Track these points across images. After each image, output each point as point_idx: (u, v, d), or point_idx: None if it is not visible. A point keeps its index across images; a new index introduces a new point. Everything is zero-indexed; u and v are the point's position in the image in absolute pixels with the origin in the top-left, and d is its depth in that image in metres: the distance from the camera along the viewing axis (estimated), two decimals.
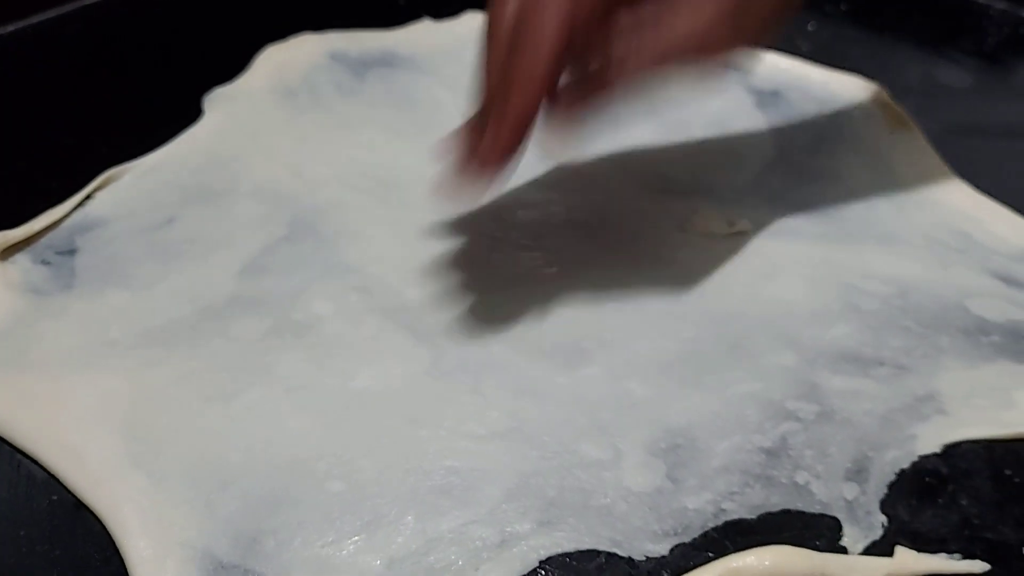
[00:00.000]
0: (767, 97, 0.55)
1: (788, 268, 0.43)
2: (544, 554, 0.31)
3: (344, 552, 0.31)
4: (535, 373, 0.37)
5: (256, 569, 0.30)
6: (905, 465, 0.35)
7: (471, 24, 0.59)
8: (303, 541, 0.31)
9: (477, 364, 0.38)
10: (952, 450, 0.36)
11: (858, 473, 0.35)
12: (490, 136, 0.35)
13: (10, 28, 0.55)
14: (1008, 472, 0.35)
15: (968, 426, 0.36)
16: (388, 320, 0.39)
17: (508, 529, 0.32)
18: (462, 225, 0.44)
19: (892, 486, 0.34)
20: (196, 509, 0.32)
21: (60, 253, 0.41)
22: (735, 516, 0.33)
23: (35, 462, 0.34)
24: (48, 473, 0.33)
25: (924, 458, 0.35)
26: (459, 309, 0.40)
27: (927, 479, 0.35)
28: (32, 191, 0.44)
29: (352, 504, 0.32)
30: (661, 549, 0.32)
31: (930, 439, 0.36)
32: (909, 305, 0.41)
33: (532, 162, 0.48)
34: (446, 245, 0.43)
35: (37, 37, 0.56)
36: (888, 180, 0.49)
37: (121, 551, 0.31)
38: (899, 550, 0.32)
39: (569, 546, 0.32)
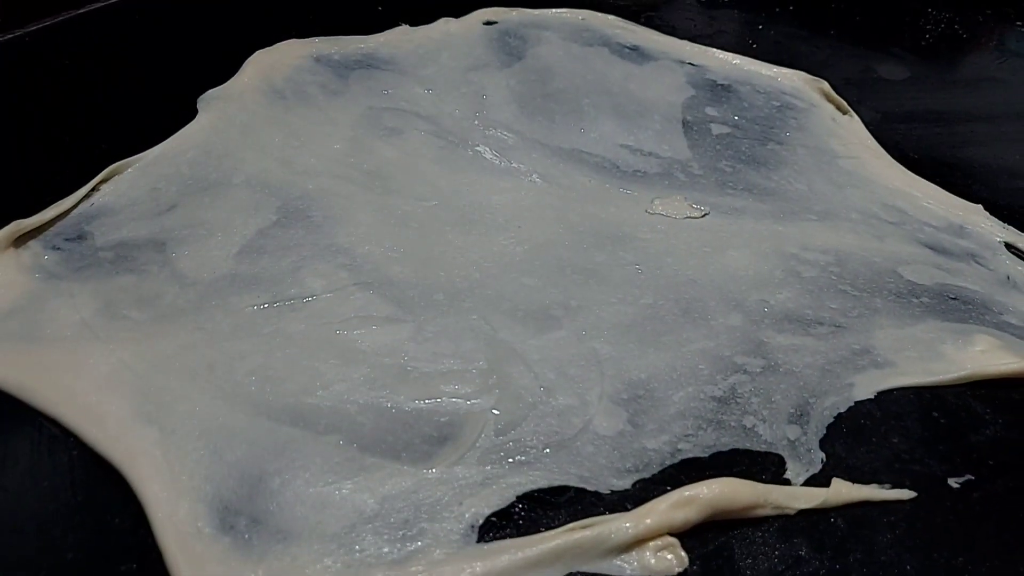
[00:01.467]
0: (720, 90, 0.59)
1: (737, 243, 0.47)
2: (521, 490, 0.35)
3: (343, 491, 0.35)
4: (509, 337, 0.41)
5: (261, 504, 0.34)
6: (843, 409, 0.39)
7: (445, 29, 0.64)
8: (304, 481, 0.35)
9: (456, 331, 0.41)
10: (885, 396, 0.40)
11: (800, 417, 0.39)
12: None
13: (18, 33, 0.58)
14: (935, 414, 0.40)
15: (899, 375, 0.41)
16: (375, 294, 0.43)
17: (488, 469, 0.36)
18: (439, 209, 0.48)
19: (831, 428, 0.39)
20: (205, 457, 0.35)
21: (69, 239, 0.45)
22: (690, 455, 0.37)
23: (56, 424, 0.37)
24: (68, 433, 0.37)
25: (860, 403, 0.40)
26: (439, 284, 0.44)
27: (862, 421, 0.39)
28: (42, 184, 0.48)
29: (349, 452, 0.36)
30: (624, 484, 0.36)
31: (865, 387, 0.40)
32: (846, 272, 0.46)
33: (503, 151, 0.52)
34: (425, 227, 0.47)
35: (43, 43, 0.59)
36: (829, 163, 0.53)
37: (138, 495, 0.34)
38: (835, 481, 0.36)
39: (543, 483, 0.36)
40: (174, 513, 0.34)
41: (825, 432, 0.38)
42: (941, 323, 0.43)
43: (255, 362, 0.39)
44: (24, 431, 0.37)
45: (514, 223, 0.48)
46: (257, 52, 0.59)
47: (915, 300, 0.44)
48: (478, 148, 0.53)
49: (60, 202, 0.46)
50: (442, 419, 0.38)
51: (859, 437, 0.38)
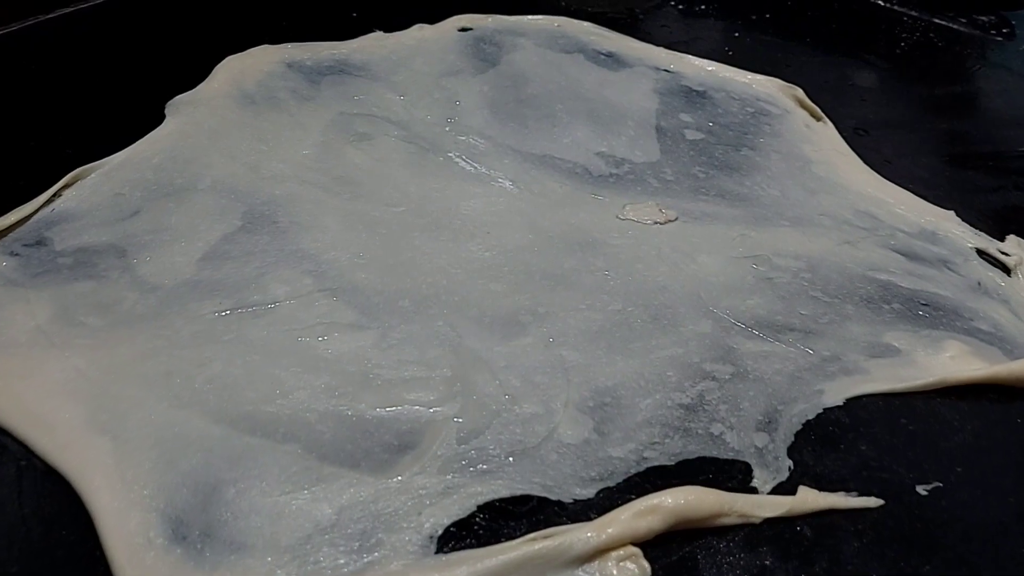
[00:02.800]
0: (695, 97, 0.59)
1: (708, 248, 0.47)
2: (482, 500, 0.35)
3: (299, 501, 0.34)
4: (475, 344, 0.40)
5: (216, 514, 0.33)
6: (811, 416, 0.39)
7: (419, 36, 0.63)
8: (260, 491, 0.34)
9: (421, 338, 0.41)
10: (854, 403, 0.40)
11: (768, 424, 0.38)
12: None
13: None
14: (904, 421, 0.39)
15: (869, 382, 0.40)
16: (339, 300, 0.42)
17: (450, 478, 0.35)
18: (408, 215, 0.48)
19: (799, 435, 0.38)
20: (159, 466, 0.35)
21: (28, 245, 0.44)
22: (656, 463, 0.36)
23: (5, 433, 0.36)
24: (18, 442, 0.36)
25: (828, 410, 0.39)
26: (405, 290, 0.43)
27: (831, 428, 0.39)
28: (3, 189, 0.47)
29: (307, 461, 0.35)
30: (588, 493, 0.35)
31: (834, 394, 0.40)
32: (817, 278, 0.45)
33: (474, 156, 0.52)
34: (393, 233, 0.46)
35: (10, 47, 0.59)
36: (802, 169, 0.53)
37: (88, 507, 0.33)
38: (802, 489, 0.36)
39: (504, 492, 0.35)
40: (124, 523, 0.33)
41: (793, 439, 0.38)
42: (912, 329, 0.43)
43: (214, 369, 0.39)
44: None
45: (483, 229, 0.47)
46: (228, 57, 0.59)
47: (886, 306, 0.44)
48: (449, 154, 0.52)
49: (20, 208, 0.46)
50: (404, 427, 0.37)
51: (827, 444, 0.38)
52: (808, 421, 0.39)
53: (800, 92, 0.59)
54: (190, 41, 0.62)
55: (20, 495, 0.34)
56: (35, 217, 0.46)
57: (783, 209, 0.50)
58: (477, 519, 0.34)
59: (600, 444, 0.37)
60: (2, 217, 0.45)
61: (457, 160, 0.52)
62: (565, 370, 0.40)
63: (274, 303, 0.42)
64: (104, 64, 0.60)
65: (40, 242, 0.44)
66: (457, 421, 0.37)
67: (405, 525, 0.33)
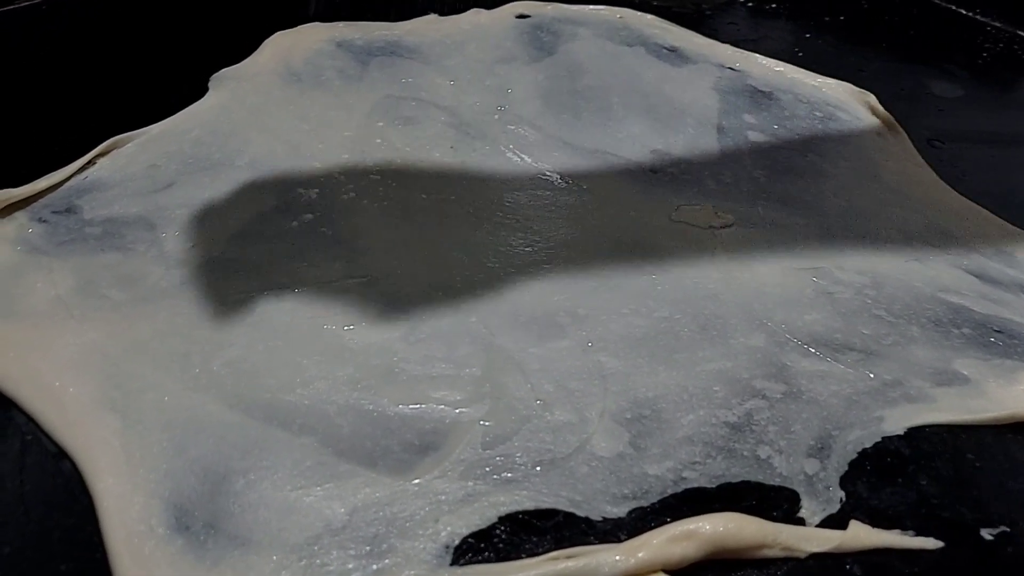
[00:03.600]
0: (760, 97, 0.56)
1: (766, 257, 0.44)
2: (504, 511, 0.32)
3: (311, 498, 0.32)
4: (508, 344, 0.38)
5: (223, 505, 0.31)
6: (868, 445, 0.36)
7: (474, 20, 0.61)
8: (271, 484, 0.32)
9: (451, 333, 0.38)
10: (916, 433, 0.36)
11: (820, 450, 0.35)
12: None
13: (36, 1, 0.57)
14: (970, 456, 0.36)
15: (934, 411, 0.37)
16: (370, 288, 0.40)
17: (471, 485, 0.33)
18: (448, 204, 0.45)
19: (853, 464, 0.35)
20: (167, 450, 0.33)
21: (57, 212, 0.43)
22: (695, 484, 0.34)
23: (14, 405, 0.35)
24: (27, 416, 0.34)
25: (888, 439, 0.36)
26: (439, 282, 0.41)
27: (889, 459, 0.35)
28: (39, 154, 0.46)
29: (323, 456, 0.33)
30: (619, 511, 0.33)
31: (895, 422, 0.37)
32: (882, 295, 0.42)
33: (522, 147, 0.50)
34: (431, 222, 0.44)
35: (60, 12, 0.58)
36: (872, 179, 0.49)
37: (90, 489, 0.32)
38: (853, 524, 0.32)
39: (529, 504, 0.32)
40: (126, 508, 0.31)
41: (847, 469, 0.35)
42: (983, 357, 0.39)
43: (234, 353, 0.37)
44: None
45: (526, 223, 0.45)
46: (277, 33, 0.57)
47: (956, 331, 0.41)
48: (497, 143, 0.50)
49: (53, 173, 0.44)
50: (426, 427, 0.35)
51: (884, 477, 0.35)
52: (864, 450, 0.35)
53: (873, 99, 0.55)
54: (241, 14, 0.61)
55: (22, 471, 0.32)
56: (67, 184, 0.44)
57: (849, 220, 0.47)
58: (498, 531, 0.32)
59: (636, 460, 0.34)
60: (34, 182, 0.43)
61: (504, 150, 0.50)
62: (603, 377, 0.37)
63: (302, 287, 0.40)
64: (154, 34, 0.58)
65: (70, 210, 0.43)
66: (484, 424, 0.35)
67: (420, 532, 0.31)
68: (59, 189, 0.44)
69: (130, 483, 0.32)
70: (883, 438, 0.36)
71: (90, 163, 0.46)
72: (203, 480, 0.32)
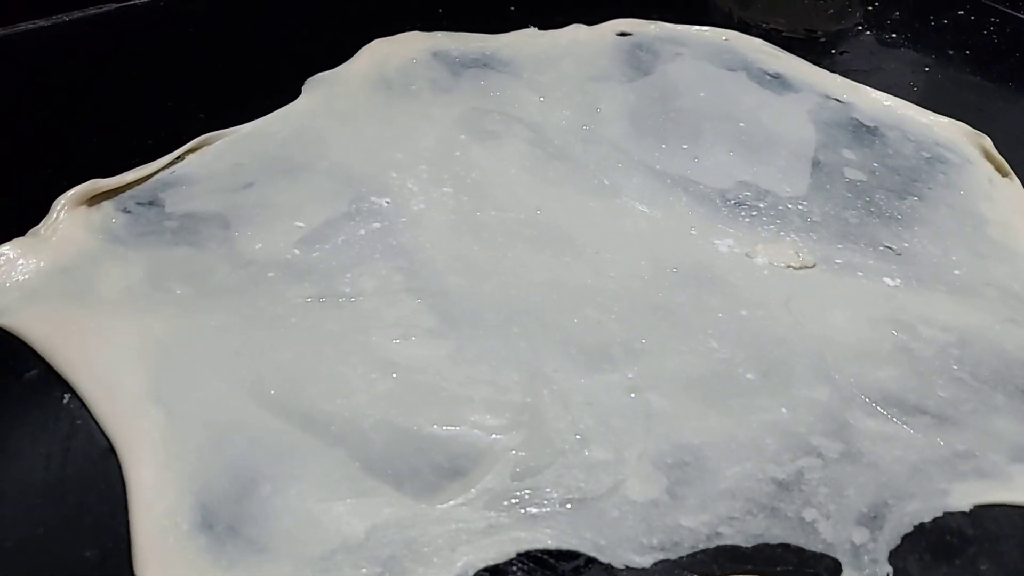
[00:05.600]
0: (863, 132, 0.53)
1: (845, 303, 0.41)
2: (524, 547, 0.31)
3: (333, 512, 0.32)
4: (555, 373, 0.37)
5: (248, 509, 0.32)
6: (926, 519, 0.33)
7: (573, 36, 0.60)
8: (297, 493, 0.32)
9: (499, 356, 0.38)
10: (983, 512, 0.34)
11: (873, 519, 0.33)
12: None
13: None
14: None
15: (1008, 490, 0.34)
16: (424, 303, 0.40)
17: (494, 516, 0.32)
18: (517, 223, 0.45)
19: (907, 538, 0.33)
20: (204, 448, 0.33)
21: (141, 204, 0.44)
22: (730, 542, 0.32)
23: (69, 388, 0.36)
24: (79, 400, 0.35)
25: (950, 515, 0.33)
26: (493, 302, 0.40)
27: (948, 537, 0.33)
28: (134, 147, 0.47)
29: (351, 470, 0.33)
30: (644, 561, 0.31)
31: (961, 496, 0.34)
32: (967, 356, 0.39)
33: (602, 168, 0.48)
34: (497, 241, 0.44)
35: (170, 6, 0.60)
36: (975, 229, 0.46)
37: (125, 477, 0.33)
38: None
39: (550, 543, 0.31)
40: (156, 501, 0.32)
41: (899, 543, 0.32)
42: None
43: (283, 357, 0.37)
44: (41, 391, 0.36)
45: (594, 248, 0.44)
46: (376, 40, 0.58)
47: None
48: (576, 163, 0.49)
49: (143, 167, 0.46)
50: (458, 450, 0.34)
51: (941, 556, 0.32)
52: (922, 524, 0.33)
53: (988, 141, 0.51)
54: (343, 19, 0.62)
55: (67, 453, 0.34)
56: (156, 177, 0.46)
57: (942, 271, 0.43)
58: (515, 567, 0.31)
59: (670, 508, 0.33)
60: (122, 175, 0.45)
61: (582, 171, 0.48)
62: (648, 417, 0.36)
63: (359, 296, 0.40)
64: (256, 35, 0.60)
65: (153, 202, 0.45)
66: (516, 454, 0.34)
67: (435, 560, 0.31)
68: (148, 182, 0.46)
69: (164, 477, 0.32)
70: (945, 513, 0.33)
71: (180, 158, 0.47)
72: (233, 481, 0.33)
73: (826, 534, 0.32)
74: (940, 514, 0.33)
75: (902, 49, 0.63)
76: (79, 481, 0.33)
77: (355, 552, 0.31)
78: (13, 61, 0.55)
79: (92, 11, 0.59)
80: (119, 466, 0.33)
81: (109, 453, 0.33)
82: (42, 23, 0.57)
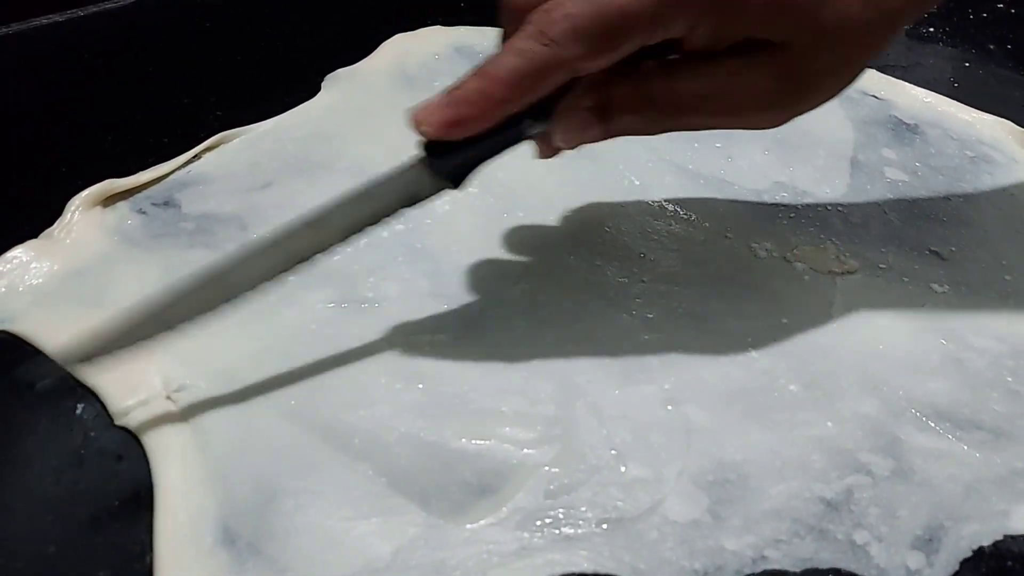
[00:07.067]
0: (904, 130, 0.51)
1: (891, 312, 0.39)
2: (558, 570, 0.30)
3: (357, 531, 0.30)
4: (588, 384, 0.35)
5: (269, 525, 0.30)
6: (986, 542, 0.31)
7: None
8: (320, 510, 0.31)
9: (529, 367, 0.36)
10: None
11: (928, 542, 0.31)
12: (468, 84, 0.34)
13: None
14: None
15: None
16: (450, 309, 0.38)
17: (527, 536, 0.30)
18: (548, 224, 0.43)
19: (966, 564, 0.31)
20: (227, 457, 0.32)
21: (156, 205, 0.43)
22: (776, 566, 0.30)
23: (93, 393, 0.35)
24: (102, 404, 0.34)
25: (1011, 539, 0.32)
26: (522, 310, 0.38)
27: (1009, 563, 0.31)
28: (150, 146, 0.46)
29: (375, 486, 0.32)
30: None
31: (1022, 519, 0.32)
32: (1022, 367, 0.37)
33: (632, 168, 0.47)
34: (527, 242, 0.42)
35: (185, 5, 0.59)
36: None
37: (153, 475, 0.32)
38: None
39: (586, 566, 0.30)
40: (180, 510, 0.31)
41: (957, 568, 0.30)
42: None
43: (303, 363, 0.36)
44: (54, 402, 0.34)
45: (626, 251, 0.42)
46: (397, 35, 0.56)
47: None
48: (606, 162, 0.47)
49: (158, 166, 0.44)
50: (487, 466, 0.32)
51: None
52: (981, 548, 0.31)
53: None
54: (364, 14, 0.60)
55: (80, 468, 0.32)
56: (172, 177, 0.45)
57: (992, 277, 0.41)
58: None
59: (712, 529, 0.31)
60: (137, 174, 0.44)
61: (613, 171, 0.47)
62: (687, 432, 0.34)
63: (383, 301, 0.39)
64: (275, 30, 0.58)
65: (169, 203, 0.43)
66: (549, 470, 0.32)
67: None
68: (163, 182, 0.44)
69: (189, 479, 0.31)
70: (1005, 536, 0.31)
71: (196, 157, 0.46)
72: (256, 492, 0.31)
73: (879, 558, 0.30)
74: (1000, 537, 0.31)
75: (939, 44, 0.61)
76: (92, 497, 0.31)
77: (381, 574, 0.29)
78: (27, 57, 0.53)
79: (107, 6, 0.57)
80: (132, 477, 0.32)
81: (125, 465, 0.32)
82: (57, 18, 0.56)
